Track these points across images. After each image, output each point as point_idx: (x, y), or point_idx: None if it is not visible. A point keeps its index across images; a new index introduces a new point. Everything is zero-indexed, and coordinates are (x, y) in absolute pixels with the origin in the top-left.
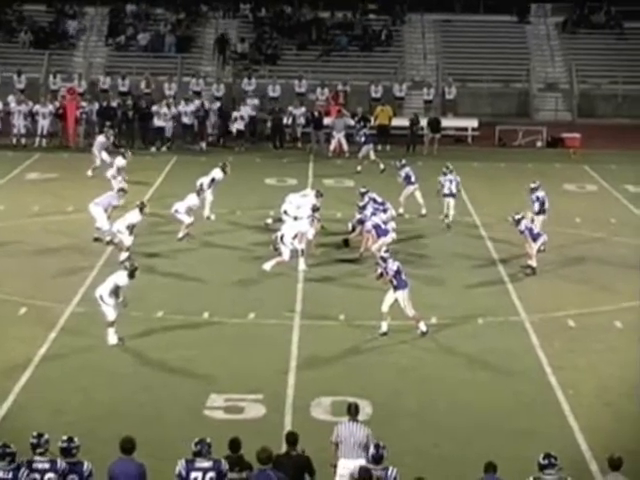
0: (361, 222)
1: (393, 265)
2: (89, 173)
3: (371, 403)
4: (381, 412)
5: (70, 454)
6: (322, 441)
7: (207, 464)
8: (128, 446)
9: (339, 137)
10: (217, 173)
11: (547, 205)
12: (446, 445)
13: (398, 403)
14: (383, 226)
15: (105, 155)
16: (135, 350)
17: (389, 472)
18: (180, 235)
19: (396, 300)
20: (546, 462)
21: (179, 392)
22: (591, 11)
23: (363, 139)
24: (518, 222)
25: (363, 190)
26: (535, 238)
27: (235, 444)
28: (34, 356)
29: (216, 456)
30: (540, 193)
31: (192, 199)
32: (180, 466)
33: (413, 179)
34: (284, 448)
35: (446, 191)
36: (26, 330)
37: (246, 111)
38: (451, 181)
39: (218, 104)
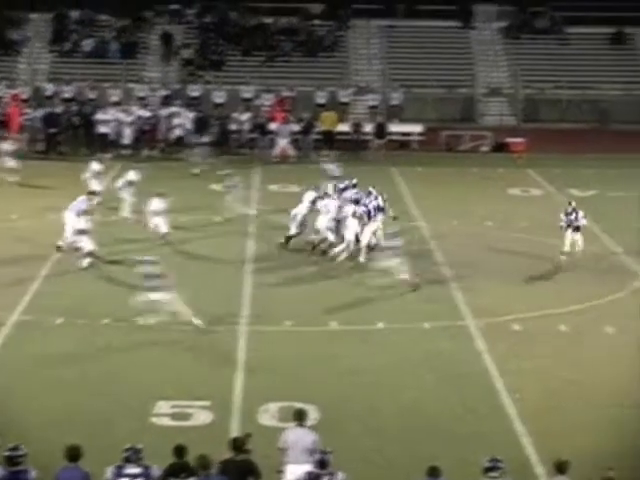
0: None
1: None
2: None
3: (318, 408)
4: (328, 417)
5: (14, 463)
6: (269, 447)
7: (136, 470)
8: (74, 454)
9: (284, 143)
10: (132, 175)
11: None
12: (392, 449)
13: (345, 408)
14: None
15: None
16: (81, 357)
17: (336, 477)
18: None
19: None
20: (491, 465)
21: (126, 399)
22: (534, 16)
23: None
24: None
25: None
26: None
27: (180, 450)
28: None
29: (161, 463)
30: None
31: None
32: (109, 472)
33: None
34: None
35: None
36: None
37: (186, 118)
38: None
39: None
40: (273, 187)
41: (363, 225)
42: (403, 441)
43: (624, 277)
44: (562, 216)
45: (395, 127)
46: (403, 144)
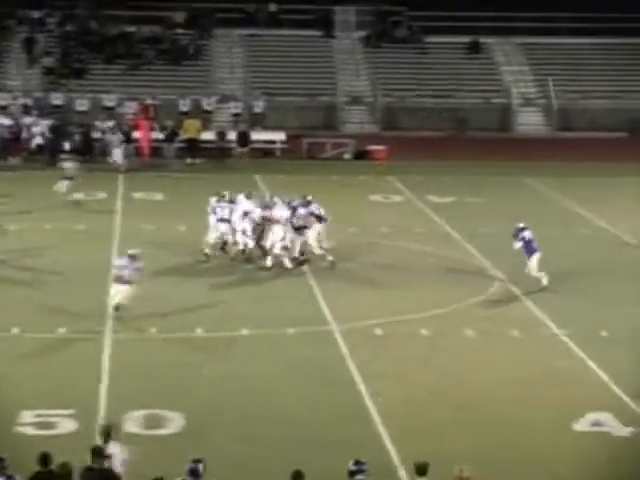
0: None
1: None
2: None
3: (184, 415)
4: (195, 424)
5: None
6: (135, 454)
7: None
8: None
9: (117, 152)
10: None
11: (535, 244)
12: (261, 456)
13: (212, 415)
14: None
15: None
16: None
17: None
18: None
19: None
20: (355, 468)
21: None
22: (394, 26)
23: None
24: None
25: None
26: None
27: (45, 459)
28: None
29: (26, 472)
30: (526, 233)
31: None
32: None
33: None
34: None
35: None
36: None
37: (44, 126)
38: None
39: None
40: (137, 195)
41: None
42: (272, 448)
43: (482, 281)
44: None
45: (258, 135)
46: (266, 152)
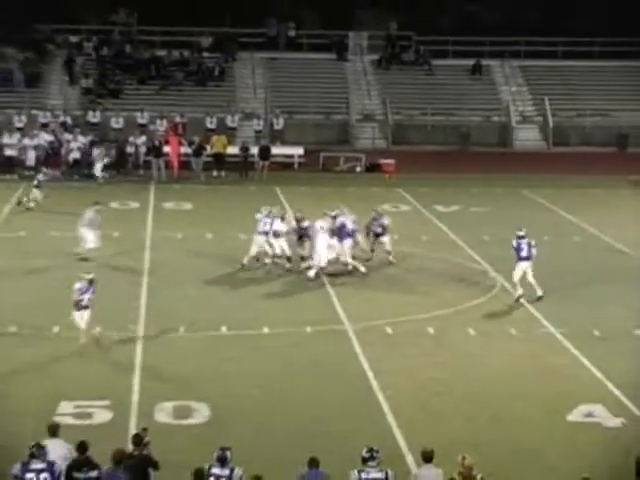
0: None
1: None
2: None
3: (209, 407)
4: (219, 415)
5: None
6: (165, 442)
7: (41, 465)
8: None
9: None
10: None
11: (525, 253)
12: (279, 446)
13: (235, 407)
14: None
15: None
16: None
17: (235, 472)
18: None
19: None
20: (368, 455)
21: (30, 401)
22: (402, 50)
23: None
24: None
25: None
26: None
27: (82, 446)
28: None
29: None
30: (521, 241)
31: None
32: (15, 468)
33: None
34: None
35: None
36: None
37: (81, 141)
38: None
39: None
40: (167, 205)
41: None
42: (290, 437)
43: (484, 284)
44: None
45: (278, 150)
46: (285, 165)
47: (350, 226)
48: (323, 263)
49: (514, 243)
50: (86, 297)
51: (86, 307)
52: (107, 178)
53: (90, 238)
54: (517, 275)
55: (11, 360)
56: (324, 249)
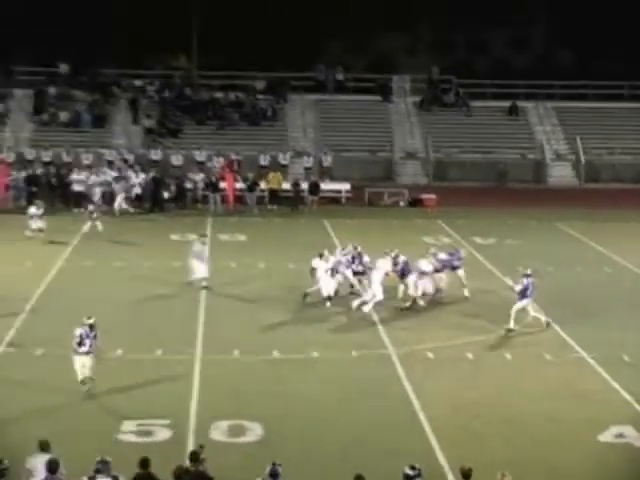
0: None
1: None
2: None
3: (262, 426)
4: (271, 433)
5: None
6: (220, 459)
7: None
8: (53, 467)
9: (121, 197)
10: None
11: (529, 292)
12: (325, 463)
13: (286, 427)
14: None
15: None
16: (59, 385)
17: None
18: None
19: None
20: (412, 473)
21: (94, 419)
22: (443, 92)
23: None
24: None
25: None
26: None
27: (144, 462)
28: None
29: (125, 473)
30: (529, 279)
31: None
32: None
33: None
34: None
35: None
36: None
37: (145, 178)
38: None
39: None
40: (223, 236)
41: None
42: (337, 455)
43: (518, 312)
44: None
45: (326, 185)
46: (333, 200)
47: (425, 267)
48: (378, 298)
49: (525, 282)
50: (88, 342)
51: (89, 352)
52: (128, 212)
53: (199, 268)
54: (518, 309)
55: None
56: (380, 285)
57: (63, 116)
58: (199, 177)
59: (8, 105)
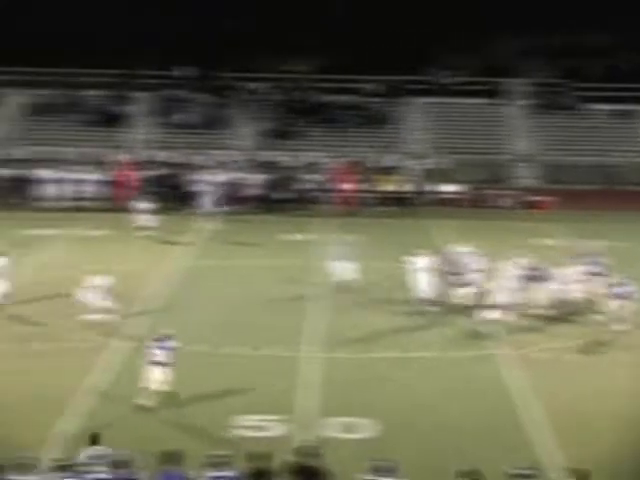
0: None
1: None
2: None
3: (375, 422)
4: (384, 431)
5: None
6: (334, 454)
7: (225, 473)
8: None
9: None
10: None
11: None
12: (438, 459)
13: (399, 423)
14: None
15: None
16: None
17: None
18: None
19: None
20: (529, 472)
21: (211, 415)
22: (556, 95)
23: None
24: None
25: None
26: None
27: (260, 457)
28: None
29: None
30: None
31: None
32: (205, 476)
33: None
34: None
35: None
36: None
37: (259, 180)
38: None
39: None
40: (338, 237)
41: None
42: (450, 451)
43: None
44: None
45: (444, 187)
46: (449, 201)
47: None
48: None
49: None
50: (165, 354)
51: (167, 364)
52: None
53: (347, 268)
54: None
55: (204, 378)
56: (508, 292)
57: (182, 118)
58: (314, 178)
59: (131, 107)
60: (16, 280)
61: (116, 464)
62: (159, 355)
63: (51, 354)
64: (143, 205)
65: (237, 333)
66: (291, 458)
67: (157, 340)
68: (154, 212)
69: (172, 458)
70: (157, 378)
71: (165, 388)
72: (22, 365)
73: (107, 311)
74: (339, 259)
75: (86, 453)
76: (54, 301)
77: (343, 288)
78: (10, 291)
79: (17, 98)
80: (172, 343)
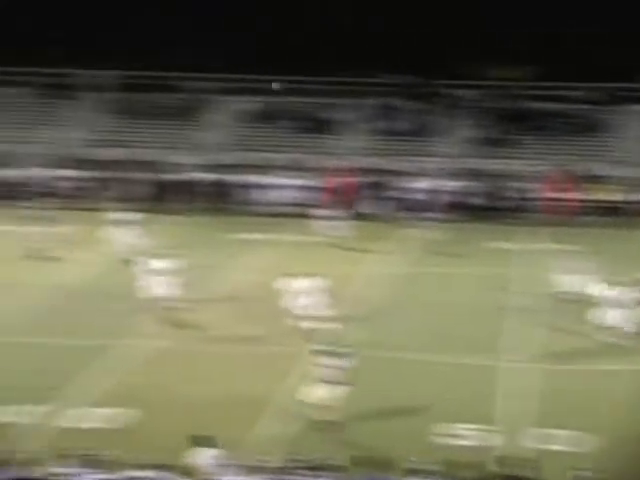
0: None
1: None
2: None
3: (593, 438)
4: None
5: None
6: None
7: None
8: None
9: None
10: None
11: None
12: None
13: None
14: None
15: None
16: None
17: None
18: None
19: None
20: None
21: (407, 420)
22: None
23: None
24: None
25: None
26: None
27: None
28: None
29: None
30: None
31: None
32: None
33: None
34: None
35: None
36: None
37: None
38: None
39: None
40: (554, 246)
41: None
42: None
43: None
44: None
45: None
46: None
47: None
48: None
49: None
50: (339, 372)
51: (339, 383)
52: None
53: (575, 280)
54: None
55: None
56: None
57: (390, 125)
58: (526, 187)
59: (341, 114)
60: (196, 284)
61: (317, 468)
62: (332, 375)
63: (262, 357)
64: (338, 213)
65: (442, 341)
66: (496, 468)
67: (331, 355)
68: (355, 219)
69: (378, 464)
70: (329, 396)
71: (337, 405)
72: (228, 367)
73: (321, 318)
74: (567, 271)
75: (206, 454)
76: (261, 304)
77: (564, 300)
78: (175, 293)
79: (235, 105)
80: (347, 361)
